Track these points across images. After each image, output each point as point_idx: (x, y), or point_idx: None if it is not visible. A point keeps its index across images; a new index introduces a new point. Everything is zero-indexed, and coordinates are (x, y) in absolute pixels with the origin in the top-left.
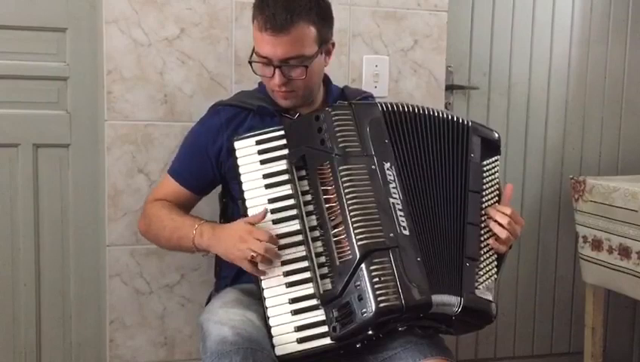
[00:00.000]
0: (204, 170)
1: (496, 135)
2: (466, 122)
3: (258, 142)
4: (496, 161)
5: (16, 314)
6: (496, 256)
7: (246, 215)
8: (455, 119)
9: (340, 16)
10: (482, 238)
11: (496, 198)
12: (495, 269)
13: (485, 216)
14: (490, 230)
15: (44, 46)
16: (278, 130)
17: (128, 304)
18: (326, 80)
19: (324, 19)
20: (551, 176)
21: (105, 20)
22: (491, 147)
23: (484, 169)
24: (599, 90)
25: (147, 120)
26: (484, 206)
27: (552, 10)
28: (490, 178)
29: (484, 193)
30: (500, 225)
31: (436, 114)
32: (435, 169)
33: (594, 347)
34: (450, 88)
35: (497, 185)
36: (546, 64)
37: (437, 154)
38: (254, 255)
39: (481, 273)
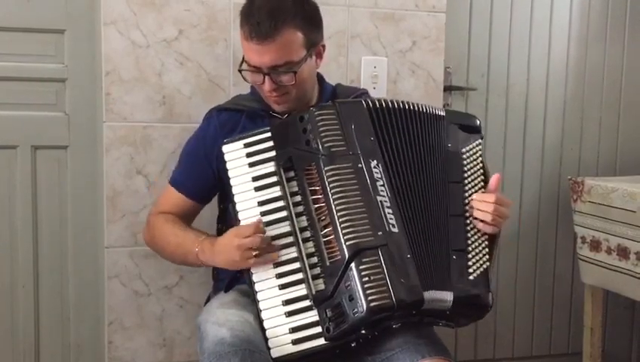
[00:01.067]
0: (205, 178)
1: (477, 121)
2: (439, 112)
3: (246, 145)
4: (477, 145)
5: (15, 316)
6: (486, 243)
7: (237, 218)
8: (430, 110)
9: (338, 17)
10: (468, 228)
11: (482, 183)
12: (487, 257)
13: (469, 206)
14: (477, 217)
15: (42, 47)
16: (265, 132)
17: (127, 305)
18: (320, 79)
19: (310, 23)
20: (549, 177)
21: (103, 22)
22: (471, 132)
23: (464, 156)
24: (597, 91)
25: (145, 121)
26: (467, 195)
27: (549, 11)
28: (471, 164)
29: (466, 181)
30: (486, 212)
31: (417, 108)
32: (418, 164)
33: (593, 347)
34: (448, 89)
35: (482, 170)
36: (544, 65)
37: (419, 149)
38: (255, 253)
39: (471, 263)
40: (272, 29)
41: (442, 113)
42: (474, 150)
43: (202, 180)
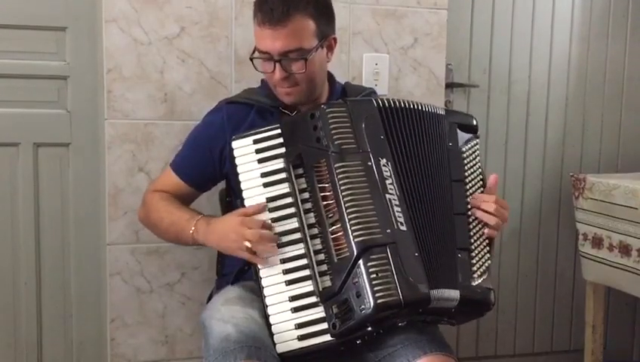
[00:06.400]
0: (207, 165)
1: (474, 120)
2: (440, 111)
3: (255, 141)
4: (475, 145)
5: (17, 313)
6: (487, 241)
7: None
8: (432, 110)
9: (340, 14)
10: (470, 226)
11: (480, 183)
12: (488, 255)
13: (470, 205)
14: (478, 217)
15: (44, 45)
16: (275, 128)
17: (129, 302)
18: (330, 78)
19: (322, 13)
20: (551, 174)
21: (105, 19)
22: (469, 132)
23: (464, 156)
24: (599, 87)
25: (147, 119)
26: (468, 193)
27: (551, 7)
28: (471, 163)
29: (467, 180)
30: (488, 212)
31: (421, 107)
32: (424, 163)
33: (594, 344)
34: (450, 86)
35: (480, 170)
36: (546, 61)
37: (425, 148)
38: (249, 244)
39: (474, 261)
40: (285, 14)
41: (442, 112)
42: (473, 150)
43: (202, 167)
